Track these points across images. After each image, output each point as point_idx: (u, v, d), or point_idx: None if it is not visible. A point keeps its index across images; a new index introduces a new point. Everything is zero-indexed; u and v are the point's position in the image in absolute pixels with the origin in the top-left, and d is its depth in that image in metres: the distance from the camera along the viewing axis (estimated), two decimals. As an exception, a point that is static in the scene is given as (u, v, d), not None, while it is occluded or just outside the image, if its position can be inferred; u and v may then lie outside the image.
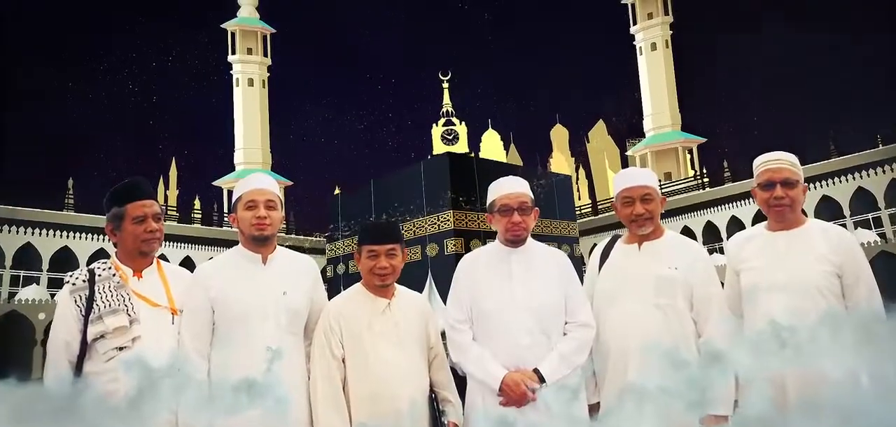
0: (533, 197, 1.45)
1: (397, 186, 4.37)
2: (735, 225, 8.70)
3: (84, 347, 1.20)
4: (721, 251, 8.62)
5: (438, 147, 8.66)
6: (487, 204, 1.45)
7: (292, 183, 13.98)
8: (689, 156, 12.41)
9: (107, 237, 1.42)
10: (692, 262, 1.37)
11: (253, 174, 1.49)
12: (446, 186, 3.95)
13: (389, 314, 1.35)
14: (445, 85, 8.16)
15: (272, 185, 1.38)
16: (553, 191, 4.43)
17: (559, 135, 17.67)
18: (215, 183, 13.65)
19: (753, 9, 15.39)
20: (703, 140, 12.47)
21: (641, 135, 13.09)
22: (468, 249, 3.99)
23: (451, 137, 8.67)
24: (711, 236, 9.20)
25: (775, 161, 1.37)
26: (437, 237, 3.90)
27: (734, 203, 9.01)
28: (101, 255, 8.57)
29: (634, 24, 12.94)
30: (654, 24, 12.62)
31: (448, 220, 3.89)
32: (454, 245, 3.82)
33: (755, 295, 1.31)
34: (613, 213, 1.61)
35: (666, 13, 12.65)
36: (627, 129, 14.78)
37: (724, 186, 9.42)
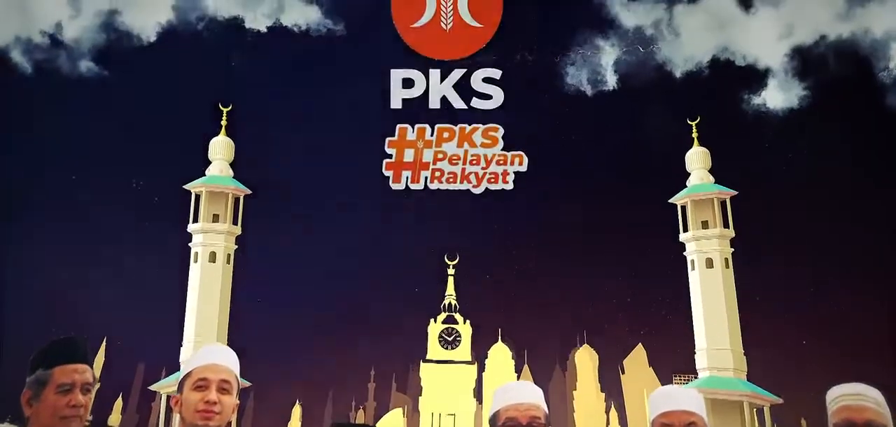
0: (548, 412, 1.33)
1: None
2: None
3: None
4: None
5: (435, 349, 7.33)
6: (490, 416, 1.35)
7: (249, 384, 12.31)
8: (756, 415, 10.71)
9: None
10: None
11: (209, 346, 1.32)
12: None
13: None
14: (451, 271, 6.93)
15: (231, 363, 1.28)
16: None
17: (586, 359, 15.90)
18: (152, 387, 11.92)
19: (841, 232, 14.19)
20: (778, 401, 10.74)
21: (693, 371, 11.52)
22: None
23: (451, 339, 7.40)
24: None
25: (856, 397, 1.26)
26: None
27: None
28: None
29: (685, 230, 11.85)
30: (709, 235, 11.51)
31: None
32: None
33: None
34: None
35: (725, 226, 11.56)
36: (674, 360, 13.26)
37: (811, 465, 7.64)
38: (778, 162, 6.49)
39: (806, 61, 6.49)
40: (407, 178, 6.31)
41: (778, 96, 6.67)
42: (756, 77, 6.60)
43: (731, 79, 6.49)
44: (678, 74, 6.51)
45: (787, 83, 6.82)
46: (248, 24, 6.57)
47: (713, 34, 6.58)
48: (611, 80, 6.47)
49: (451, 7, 6.26)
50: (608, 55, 6.33)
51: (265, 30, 6.55)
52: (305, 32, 6.44)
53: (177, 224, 11.40)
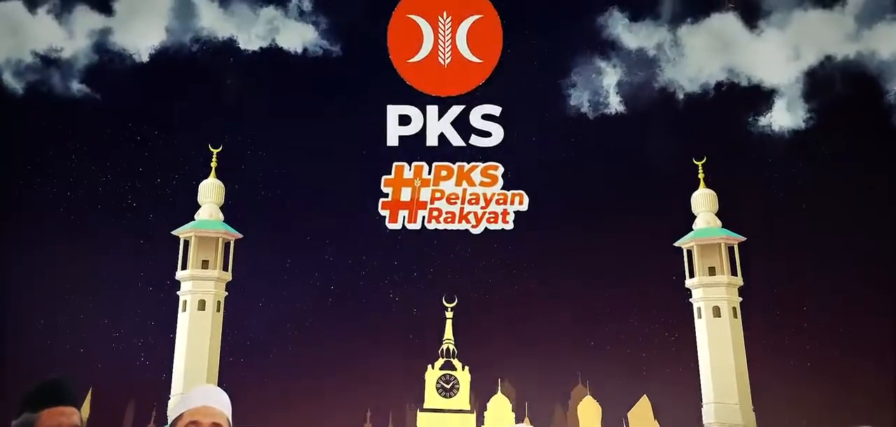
0: None
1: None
2: None
3: None
4: None
5: (432, 397, 7.07)
6: None
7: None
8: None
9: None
10: None
11: (200, 387, 1.29)
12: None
13: None
14: (449, 315, 6.75)
15: (222, 406, 1.26)
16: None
17: (589, 410, 15.55)
18: (138, 435, 11.67)
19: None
20: (793, 464, 10.49)
21: (699, 425, 11.23)
22: None
23: (448, 387, 7.15)
24: None
25: None
26: None
27: None
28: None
29: (691, 275, 11.64)
30: (716, 282, 11.31)
31: None
32: None
33: None
34: None
35: (733, 274, 11.33)
36: (680, 413, 12.95)
37: None
38: (783, 183, 6.37)
39: (812, 82, 6.41)
40: (404, 217, 6.14)
41: (784, 117, 6.58)
42: (762, 98, 6.52)
43: (736, 100, 6.38)
44: (682, 96, 6.42)
45: (793, 104, 6.73)
46: (242, 46, 6.46)
47: (718, 55, 6.48)
48: (613, 102, 6.39)
49: (449, 42, 6.17)
50: (610, 77, 6.23)
51: (259, 50, 6.45)
52: (302, 54, 6.34)
53: (168, 263, 11.13)
